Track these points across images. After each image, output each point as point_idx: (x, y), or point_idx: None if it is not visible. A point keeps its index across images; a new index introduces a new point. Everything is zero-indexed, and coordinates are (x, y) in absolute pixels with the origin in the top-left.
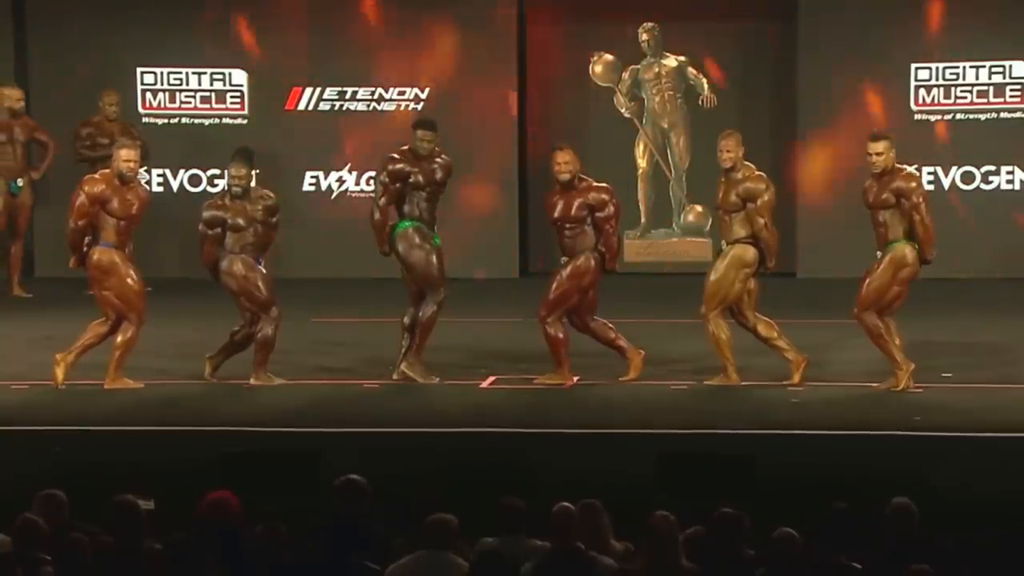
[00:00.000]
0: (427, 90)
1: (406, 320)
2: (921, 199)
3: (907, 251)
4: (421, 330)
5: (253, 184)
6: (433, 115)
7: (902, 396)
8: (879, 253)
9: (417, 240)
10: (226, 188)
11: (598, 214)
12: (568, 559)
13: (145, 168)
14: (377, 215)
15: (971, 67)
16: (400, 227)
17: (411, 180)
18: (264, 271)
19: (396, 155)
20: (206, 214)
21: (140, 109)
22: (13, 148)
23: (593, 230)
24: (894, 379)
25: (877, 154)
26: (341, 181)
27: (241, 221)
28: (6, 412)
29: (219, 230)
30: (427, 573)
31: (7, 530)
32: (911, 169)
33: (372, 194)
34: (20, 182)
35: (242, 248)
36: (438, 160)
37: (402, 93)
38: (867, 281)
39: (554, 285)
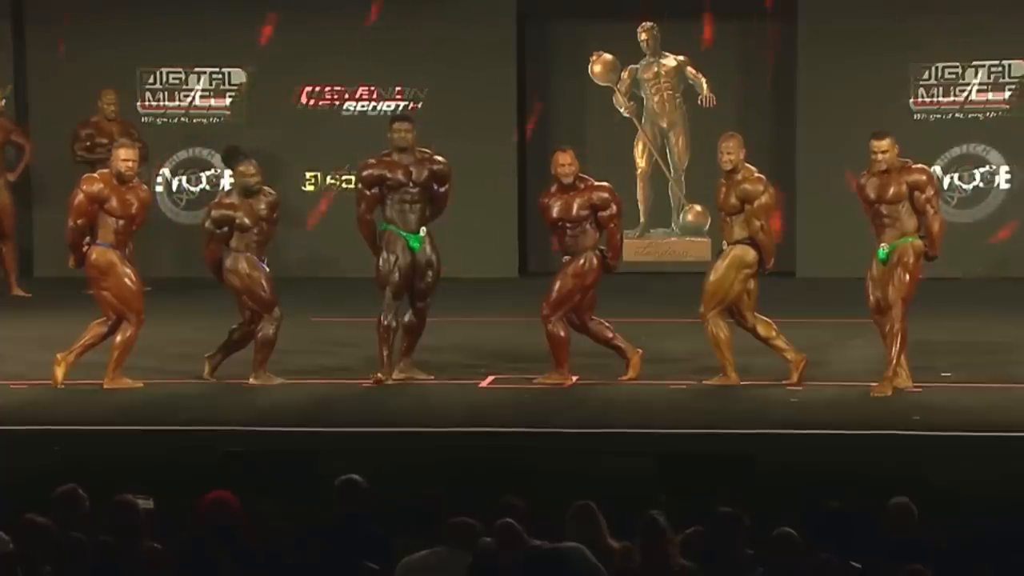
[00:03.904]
0: (426, 89)
1: (405, 319)
2: (935, 192)
3: (921, 246)
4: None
5: None
6: (432, 115)
7: (902, 396)
8: (884, 246)
9: (382, 245)
10: (231, 187)
11: (602, 213)
12: (536, 558)
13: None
14: (360, 223)
15: (971, 67)
16: (378, 229)
17: (388, 182)
18: (267, 270)
19: (372, 160)
20: (215, 213)
21: (139, 108)
22: None
23: (595, 229)
24: (897, 379)
25: (882, 152)
26: (340, 180)
27: (248, 220)
28: (6, 412)
29: (226, 229)
30: (439, 568)
31: (7, 530)
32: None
33: None
34: None
35: (246, 246)
36: (427, 161)
37: (402, 92)
38: (904, 276)
39: (557, 284)
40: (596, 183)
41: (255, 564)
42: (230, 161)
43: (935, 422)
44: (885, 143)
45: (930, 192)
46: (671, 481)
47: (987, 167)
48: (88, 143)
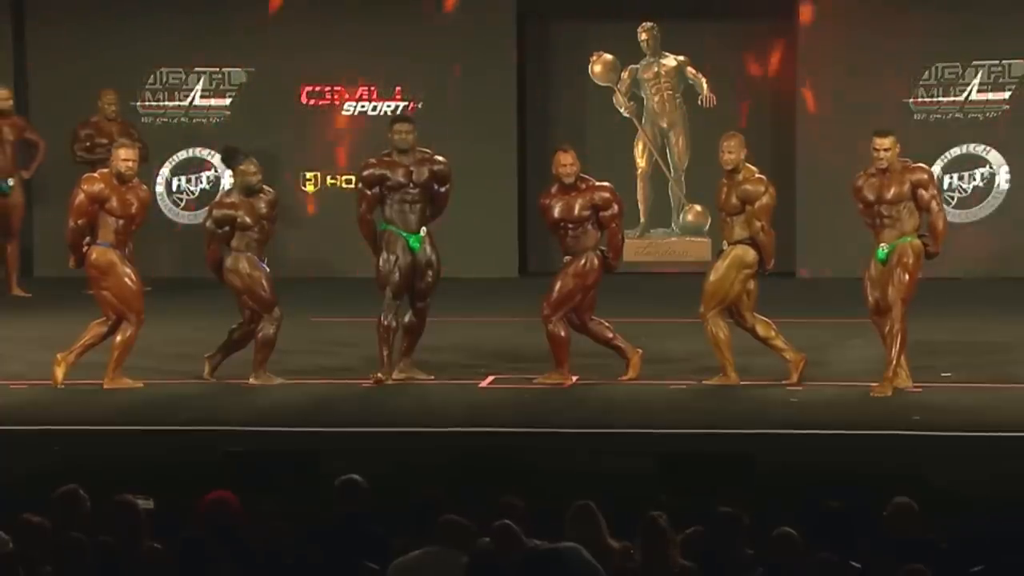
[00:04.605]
0: (426, 89)
1: (405, 319)
2: (937, 190)
3: (920, 245)
4: (385, 332)
5: None
6: (432, 115)
7: (902, 396)
8: (884, 246)
9: (382, 245)
10: (232, 187)
11: (603, 213)
12: (534, 558)
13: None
14: (361, 224)
15: (971, 67)
16: (378, 229)
17: (388, 183)
18: (267, 269)
19: (372, 160)
20: (216, 213)
21: (139, 108)
22: (2, 148)
23: (596, 229)
24: (897, 379)
25: (885, 149)
26: (340, 180)
27: (249, 219)
28: (6, 412)
29: (227, 229)
30: (433, 568)
31: (7, 530)
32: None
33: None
34: (11, 182)
35: (247, 246)
36: (427, 162)
37: (401, 92)
38: (904, 276)
39: (558, 284)
40: (597, 183)
41: (255, 564)
42: (230, 161)
43: (935, 422)
44: (888, 141)
45: (933, 190)
46: (671, 481)
47: (987, 167)
48: (88, 143)
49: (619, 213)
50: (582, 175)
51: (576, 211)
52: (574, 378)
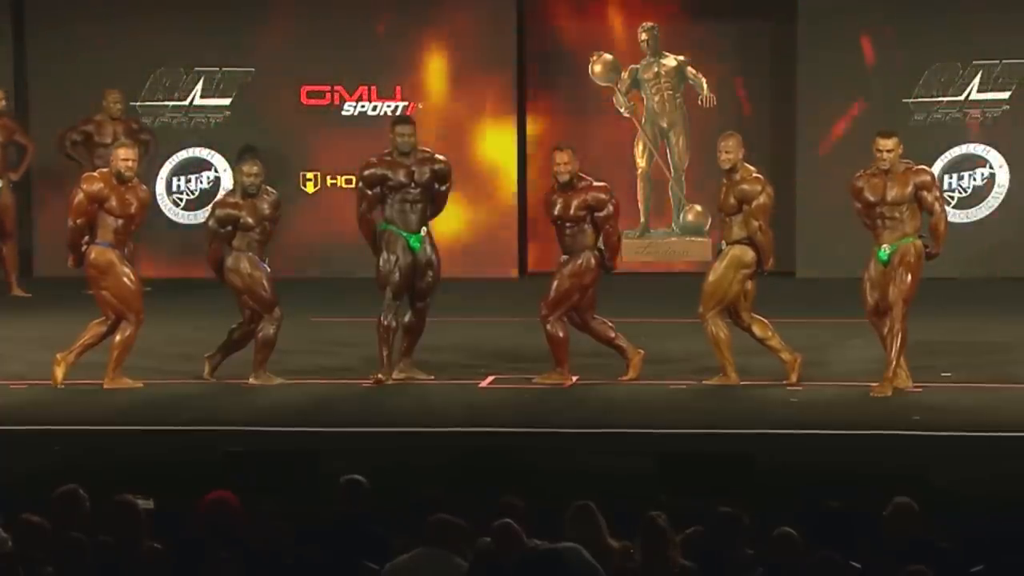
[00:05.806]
0: (426, 89)
1: (405, 319)
2: (940, 191)
3: (922, 246)
4: (407, 331)
5: None
6: (433, 115)
7: (902, 396)
8: (886, 247)
9: (382, 245)
10: (234, 187)
11: (598, 214)
12: (534, 558)
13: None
14: (360, 223)
15: (970, 66)
16: (378, 229)
17: (389, 183)
18: (268, 270)
19: (373, 159)
20: (219, 212)
21: (139, 109)
22: None
23: (593, 229)
24: (897, 379)
25: (888, 150)
26: (340, 180)
27: (251, 220)
28: (6, 412)
29: (230, 228)
30: (426, 570)
31: (7, 530)
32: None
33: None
34: None
35: (248, 246)
36: (428, 161)
37: (401, 92)
38: (906, 276)
39: (555, 284)
40: (595, 183)
41: (255, 564)
42: (238, 160)
43: (935, 422)
44: (891, 142)
45: (937, 192)
46: (671, 481)
47: (987, 167)
48: (80, 139)
49: (614, 214)
50: (582, 175)
51: (572, 210)
52: (574, 378)
